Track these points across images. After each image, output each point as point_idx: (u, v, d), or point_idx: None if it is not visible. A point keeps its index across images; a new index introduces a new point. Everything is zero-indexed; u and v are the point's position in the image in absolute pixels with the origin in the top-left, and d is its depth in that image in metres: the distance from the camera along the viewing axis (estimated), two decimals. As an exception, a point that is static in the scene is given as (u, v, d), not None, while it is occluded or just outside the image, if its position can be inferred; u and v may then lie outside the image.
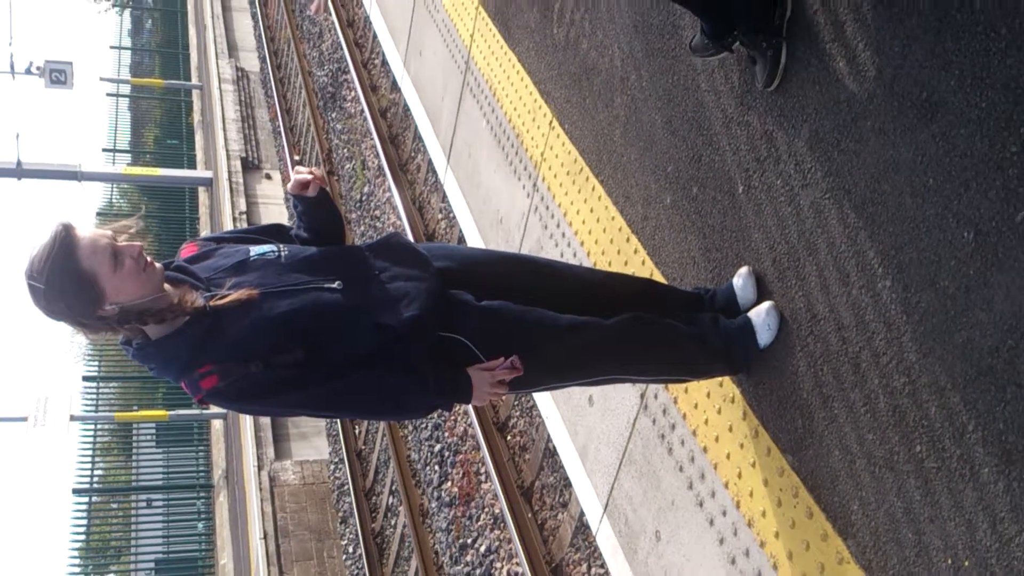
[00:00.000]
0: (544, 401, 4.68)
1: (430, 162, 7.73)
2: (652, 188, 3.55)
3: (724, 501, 3.17)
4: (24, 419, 15.26)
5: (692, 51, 2.97)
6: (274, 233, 2.67)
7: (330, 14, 11.57)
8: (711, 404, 3.24)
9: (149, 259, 2.29)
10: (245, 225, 16.92)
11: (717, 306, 2.98)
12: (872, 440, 2.53)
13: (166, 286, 2.33)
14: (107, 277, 2.20)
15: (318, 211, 2.65)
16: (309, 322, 2.36)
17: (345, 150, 11.03)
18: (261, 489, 11.43)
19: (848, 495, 2.62)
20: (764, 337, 2.86)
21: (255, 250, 2.48)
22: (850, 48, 2.51)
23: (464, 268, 2.69)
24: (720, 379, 3.17)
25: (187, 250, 2.54)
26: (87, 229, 2.24)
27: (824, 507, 2.71)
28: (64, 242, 2.19)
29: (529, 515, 5.70)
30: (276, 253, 2.48)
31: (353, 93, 10.78)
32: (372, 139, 9.49)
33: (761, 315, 2.86)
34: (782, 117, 2.79)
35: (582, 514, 4.91)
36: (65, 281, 2.17)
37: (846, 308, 2.60)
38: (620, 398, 3.86)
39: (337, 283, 2.44)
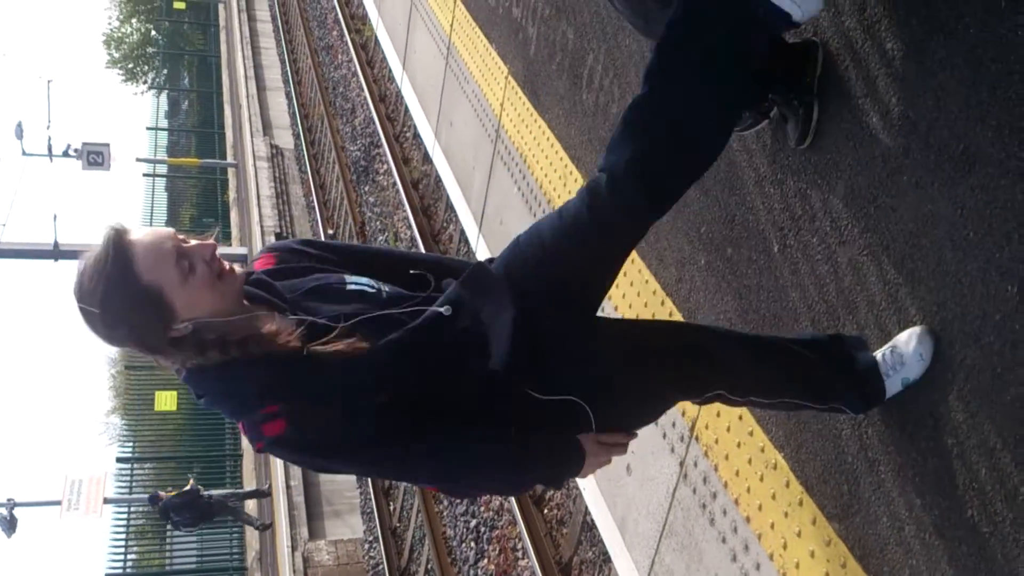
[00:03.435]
0: (580, 472, 4.58)
1: (462, 231, 7.75)
2: (686, 249, 3.51)
3: (769, 573, 3.06)
4: (57, 503, 15.26)
5: None
6: (364, 264, 2.21)
7: (363, 90, 11.78)
8: (753, 471, 3.15)
9: (227, 265, 1.86)
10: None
11: None
12: (921, 505, 2.44)
13: (244, 302, 1.92)
14: (175, 288, 1.78)
15: None
16: (409, 362, 1.94)
17: (378, 222, 11.11)
18: (295, 571, 11.32)
19: (899, 564, 2.52)
20: (915, 370, 2.41)
21: (351, 281, 2.06)
22: (883, 103, 2.48)
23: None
24: (762, 444, 3.09)
25: (262, 262, 2.11)
26: (145, 231, 1.82)
27: (874, 577, 2.61)
28: (119, 251, 1.77)
29: (567, 592, 5.57)
30: (375, 289, 2.06)
31: (385, 166, 10.90)
32: (404, 211, 9.57)
33: (911, 343, 2.40)
34: (816, 174, 2.75)
35: (622, 590, 4.78)
36: (124, 301, 1.76)
37: (889, 368, 2.52)
38: (659, 466, 3.77)
39: (446, 308, 2.00)
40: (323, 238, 13.53)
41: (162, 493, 14.16)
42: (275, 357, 1.84)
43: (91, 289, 1.76)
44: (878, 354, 2.46)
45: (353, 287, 2.03)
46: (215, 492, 14.74)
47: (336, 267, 2.13)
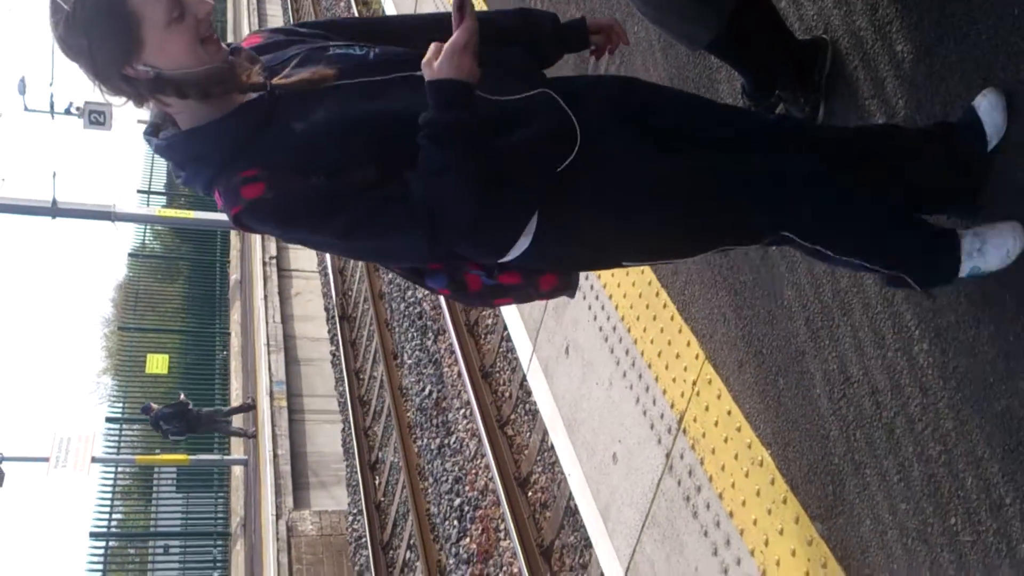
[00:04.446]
0: (566, 457, 4.59)
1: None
2: (683, 243, 3.49)
3: (750, 569, 3.06)
4: (45, 459, 15.28)
5: None
6: (367, 35, 2.03)
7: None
8: (739, 467, 3.14)
9: (215, 36, 1.72)
10: (275, 269, 17.08)
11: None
12: (905, 510, 2.44)
13: None
14: (155, 27, 1.63)
15: None
16: (397, 129, 1.76)
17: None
18: (278, 539, 11.37)
19: (879, 568, 2.52)
20: (993, 263, 2.11)
21: (335, 46, 1.89)
22: (890, 105, 2.46)
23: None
24: (749, 440, 3.09)
25: (251, 40, 1.95)
26: None
27: (854, 579, 2.61)
28: None
29: None
30: (365, 50, 1.88)
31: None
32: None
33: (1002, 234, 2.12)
34: (818, 173, 2.73)
35: (602, 576, 4.79)
36: (98, 12, 1.60)
37: (881, 371, 2.51)
38: (645, 457, 3.77)
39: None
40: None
41: (154, 405, 15.39)
42: (248, 116, 1.75)
43: None
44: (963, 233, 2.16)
45: (337, 52, 1.88)
46: (204, 409, 16.05)
47: (328, 40, 1.97)
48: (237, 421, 16.17)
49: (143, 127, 1.91)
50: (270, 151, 1.73)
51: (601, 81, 2.11)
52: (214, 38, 1.71)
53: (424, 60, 1.72)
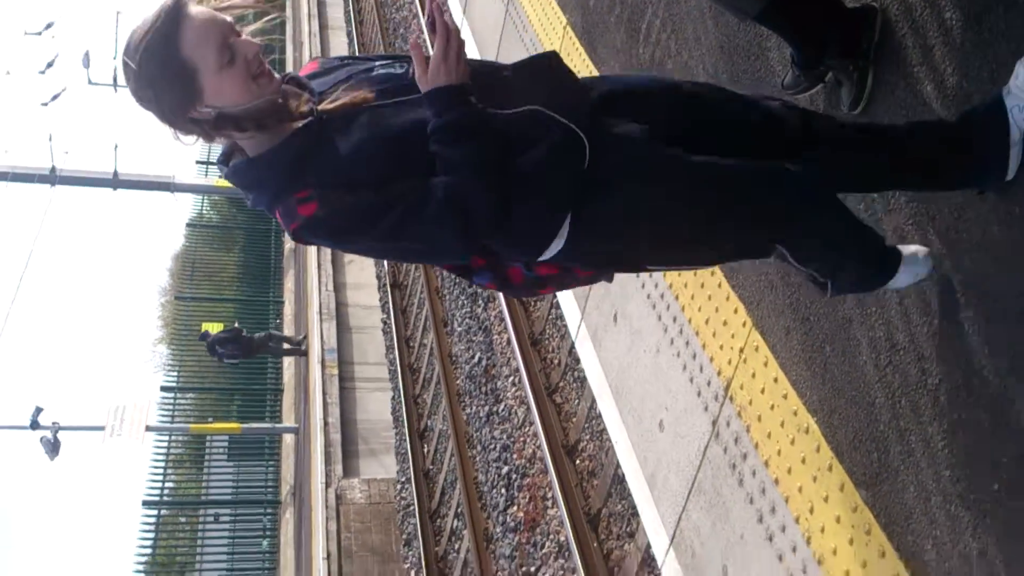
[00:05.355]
0: (614, 424, 4.63)
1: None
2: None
3: (795, 536, 3.09)
4: (101, 428, 15.56)
5: (784, 89, 2.93)
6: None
7: (423, 33, 11.72)
8: (784, 434, 3.17)
9: (267, 67, 1.89)
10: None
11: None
12: (949, 476, 2.45)
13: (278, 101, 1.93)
14: (209, 74, 1.81)
15: None
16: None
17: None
18: (327, 507, 11.50)
19: (922, 534, 2.54)
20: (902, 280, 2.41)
21: (379, 66, 2.06)
22: (938, 72, 2.45)
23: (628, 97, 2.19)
24: (795, 408, 3.10)
25: (308, 68, 2.13)
26: (204, 11, 1.83)
27: (897, 546, 2.63)
28: (170, 20, 1.78)
29: (595, 544, 5.62)
30: (404, 68, 2.03)
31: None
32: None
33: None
34: (867, 141, 2.72)
35: (648, 546, 4.83)
36: (158, 68, 1.80)
37: (927, 338, 2.52)
38: (691, 424, 3.80)
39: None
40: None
41: (211, 331, 16.47)
42: (300, 141, 1.90)
43: (135, 46, 1.81)
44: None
45: (380, 72, 2.03)
46: (257, 333, 16.96)
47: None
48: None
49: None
50: (320, 172, 1.90)
51: (650, 96, 2.22)
52: (266, 71, 1.88)
53: (417, 78, 1.91)
